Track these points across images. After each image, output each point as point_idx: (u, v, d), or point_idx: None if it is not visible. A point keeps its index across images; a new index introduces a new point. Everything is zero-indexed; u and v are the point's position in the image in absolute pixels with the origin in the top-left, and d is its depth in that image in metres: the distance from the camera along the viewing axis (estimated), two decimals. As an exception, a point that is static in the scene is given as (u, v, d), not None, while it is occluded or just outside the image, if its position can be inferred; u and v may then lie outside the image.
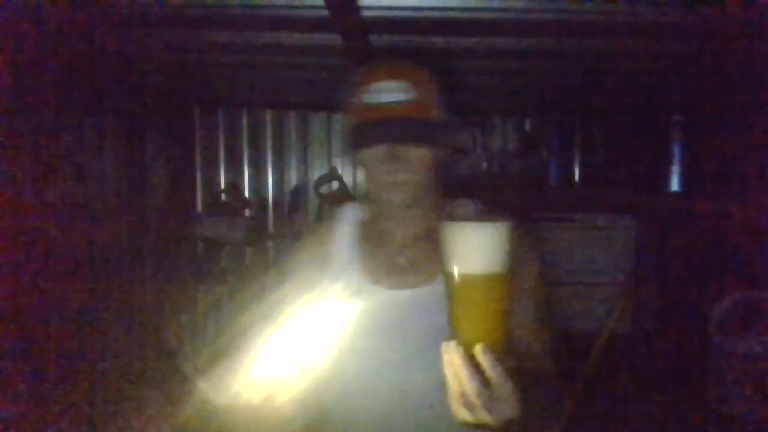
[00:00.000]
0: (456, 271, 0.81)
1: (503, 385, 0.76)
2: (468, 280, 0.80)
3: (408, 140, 1.03)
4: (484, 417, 0.77)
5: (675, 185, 3.03)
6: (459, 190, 1.18)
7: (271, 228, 3.04)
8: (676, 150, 2.96)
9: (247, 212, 2.93)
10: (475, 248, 0.80)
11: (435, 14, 1.38)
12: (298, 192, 3.01)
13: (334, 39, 1.50)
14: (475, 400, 0.76)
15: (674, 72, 2.03)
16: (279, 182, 3.06)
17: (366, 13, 1.36)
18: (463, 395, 0.77)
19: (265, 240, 3.00)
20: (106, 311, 2.12)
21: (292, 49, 1.69)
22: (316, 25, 1.42)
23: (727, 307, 2.01)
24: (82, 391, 1.90)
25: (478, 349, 0.77)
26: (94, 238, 2.06)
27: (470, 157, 3.04)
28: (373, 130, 1.03)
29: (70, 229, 1.92)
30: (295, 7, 1.33)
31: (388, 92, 1.03)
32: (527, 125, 3.12)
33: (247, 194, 3.00)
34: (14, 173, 1.63)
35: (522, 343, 1.04)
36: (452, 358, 0.78)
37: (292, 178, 3.06)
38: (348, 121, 1.09)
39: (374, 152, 1.04)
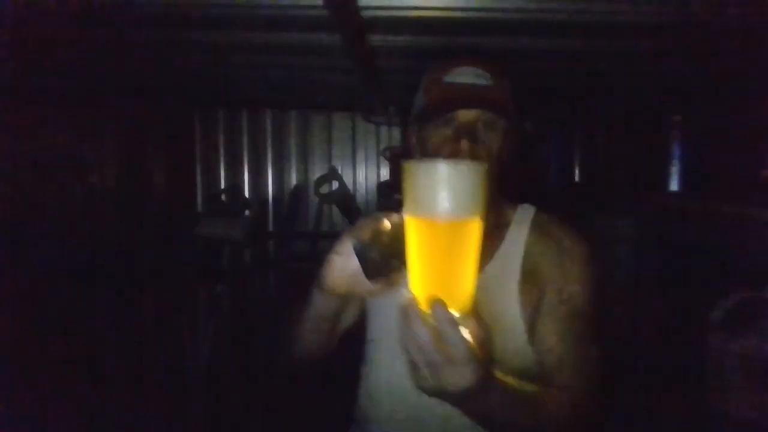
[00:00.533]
0: (415, 214, 0.69)
1: (458, 348, 0.66)
2: (428, 225, 0.68)
3: (484, 108, 1.01)
4: (435, 381, 0.68)
5: (675, 185, 3.03)
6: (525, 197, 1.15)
7: (270, 228, 3.04)
8: (676, 150, 2.97)
9: (247, 212, 2.93)
10: (439, 190, 0.67)
11: (434, 14, 1.37)
12: (298, 192, 3.01)
13: (334, 39, 1.50)
14: (424, 360, 0.67)
15: (674, 72, 2.03)
16: (279, 182, 3.06)
17: (366, 13, 1.36)
18: (414, 356, 0.68)
19: (265, 240, 3.00)
20: (105, 310, 2.12)
21: (292, 49, 1.69)
22: (316, 25, 1.42)
23: (727, 307, 2.01)
24: (81, 389, 1.90)
25: (432, 304, 0.67)
26: (95, 238, 2.06)
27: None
28: (450, 103, 1.02)
29: (71, 229, 1.92)
30: (295, 7, 1.32)
31: (469, 75, 1.04)
32: (527, 125, 3.12)
33: (247, 194, 3.00)
34: (15, 173, 1.63)
35: (547, 363, 0.99)
36: (405, 313, 0.68)
37: (292, 178, 3.06)
38: (422, 103, 1.08)
39: (446, 130, 1.02)
